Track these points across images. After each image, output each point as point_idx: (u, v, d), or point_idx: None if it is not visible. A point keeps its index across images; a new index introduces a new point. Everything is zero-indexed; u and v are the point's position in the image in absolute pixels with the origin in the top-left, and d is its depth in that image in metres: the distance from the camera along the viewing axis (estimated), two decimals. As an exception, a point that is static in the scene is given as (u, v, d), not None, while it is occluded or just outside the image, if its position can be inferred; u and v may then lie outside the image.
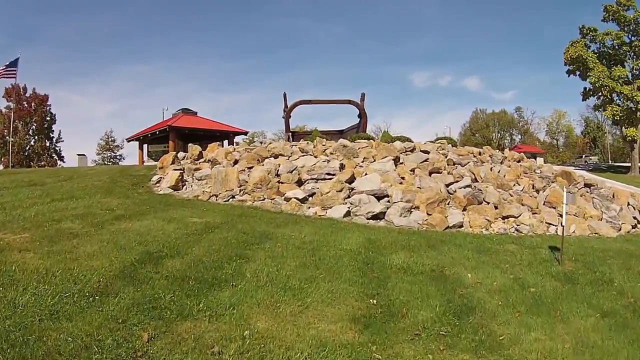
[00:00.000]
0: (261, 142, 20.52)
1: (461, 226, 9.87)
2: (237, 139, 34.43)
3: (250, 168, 13.14)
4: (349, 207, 9.91)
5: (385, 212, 9.63)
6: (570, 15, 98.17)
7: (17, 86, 49.65)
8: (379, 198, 10.48)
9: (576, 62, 37.27)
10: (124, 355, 3.57)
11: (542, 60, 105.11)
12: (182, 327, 4.03)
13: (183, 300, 4.58)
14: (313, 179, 11.81)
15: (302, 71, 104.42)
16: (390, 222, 9.42)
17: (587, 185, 15.27)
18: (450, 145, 17.18)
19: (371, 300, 4.76)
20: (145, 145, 34.63)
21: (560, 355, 4.29)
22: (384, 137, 19.43)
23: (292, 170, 12.24)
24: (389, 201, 10.48)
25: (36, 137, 51.06)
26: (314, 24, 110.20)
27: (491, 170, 14.30)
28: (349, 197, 10.63)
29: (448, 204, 10.73)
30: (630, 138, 35.99)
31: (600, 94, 37.19)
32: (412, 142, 16.88)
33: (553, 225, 11.30)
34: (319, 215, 9.56)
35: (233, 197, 11.08)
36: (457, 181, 12.41)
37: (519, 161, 17.50)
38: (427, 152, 14.55)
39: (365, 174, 12.00)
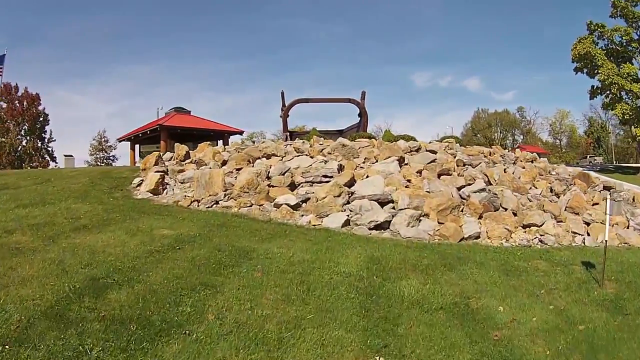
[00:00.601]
0: (253, 142, 19.15)
1: (478, 237, 8.54)
2: (232, 139, 33.05)
3: (239, 170, 11.81)
4: (348, 215, 8.59)
5: (390, 221, 8.29)
6: (570, 15, 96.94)
7: (9, 85, 48.38)
8: (382, 204, 9.15)
9: (584, 59, 35.94)
10: None
11: (543, 61, 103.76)
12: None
13: (114, 359, 3.26)
14: (308, 182, 10.49)
15: (302, 71, 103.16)
16: (396, 232, 8.09)
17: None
18: (458, 144, 15.85)
19: (377, 359, 3.43)
20: (137, 146, 33.26)
21: None
22: (386, 136, 18.11)
23: (285, 172, 10.91)
24: (393, 207, 9.15)
25: (28, 138, 49.66)
26: (314, 24, 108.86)
27: (505, 171, 12.95)
28: (348, 202, 9.30)
29: (462, 210, 9.39)
30: (640, 138, 34.60)
31: (609, 91, 35.90)
32: (417, 141, 15.56)
33: (579, 234, 9.98)
34: (314, 225, 8.23)
35: (217, 202, 9.75)
36: (469, 184, 11.08)
37: (531, 161, 16.13)
38: (434, 152, 13.21)
39: (367, 176, 10.67)
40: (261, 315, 3.91)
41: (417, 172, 11.25)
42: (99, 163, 52.38)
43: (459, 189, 10.64)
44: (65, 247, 6.53)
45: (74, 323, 3.93)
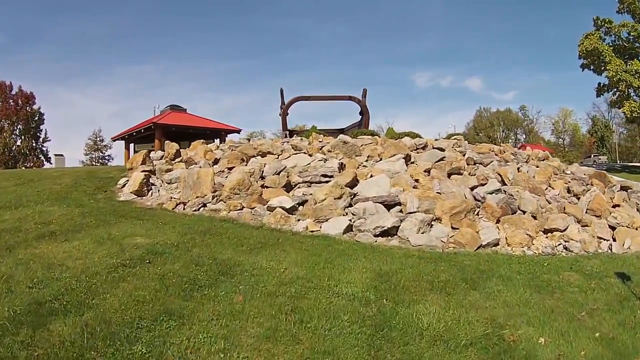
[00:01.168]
0: (248, 140, 18.18)
1: (496, 244, 7.58)
2: (230, 138, 32.06)
3: (230, 169, 10.85)
4: (350, 220, 7.62)
5: (398, 227, 7.32)
6: (571, 15, 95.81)
7: (3, 83, 47.46)
8: (388, 207, 8.18)
9: (591, 55, 34.96)
10: None
11: (544, 60, 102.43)
12: None
13: None
14: (306, 182, 9.52)
15: (304, 71, 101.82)
16: (405, 239, 7.12)
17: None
18: (466, 142, 14.86)
19: None
20: (131, 145, 32.30)
21: None
22: (389, 134, 17.12)
23: (280, 172, 9.95)
24: (401, 211, 8.19)
25: (23, 137, 48.70)
26: (315, 24, 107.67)
27: (518, 170, 11.97)
28: (350, 205, 8.33)
29: (477, 214, 8.43)
30: (649, 136, 33.61)
31: (616, 89, 34.92)
32: (422, 138, 14.59)
33: (604, 240, 9.03)
34: (311, 231, 7.25)
35: (204, 205, 8.79)
36: (482, 184, 10.12)
37: (543, 160, 15.14)
38: (442, 150, 12.23)
39: (371, 176, 9.70)
40: (238, 362, 2.95)
41: (424, 172, 10.28)
42: (94, 163, 51.40)
43: (471, 189, 9.68)
44: (21, 259, 5.62)
45: (-5, 368, 2.99)
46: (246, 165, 11.04)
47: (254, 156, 11.93)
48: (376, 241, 7.05)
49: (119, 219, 8.01)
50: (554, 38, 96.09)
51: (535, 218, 9.09)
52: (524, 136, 78.01)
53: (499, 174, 11.18)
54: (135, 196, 10.04)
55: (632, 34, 35.06)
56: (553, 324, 4.32)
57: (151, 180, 10.78)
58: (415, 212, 7.83)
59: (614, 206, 11.03)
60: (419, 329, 3.64)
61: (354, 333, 3.46)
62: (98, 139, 53.31)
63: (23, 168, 42.04)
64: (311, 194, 8.70)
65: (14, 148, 48.22)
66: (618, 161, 61.78)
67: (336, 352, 3.15)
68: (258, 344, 3.14)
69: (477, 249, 7.19)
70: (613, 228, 9.46)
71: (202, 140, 16.39)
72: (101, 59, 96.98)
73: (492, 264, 6.09)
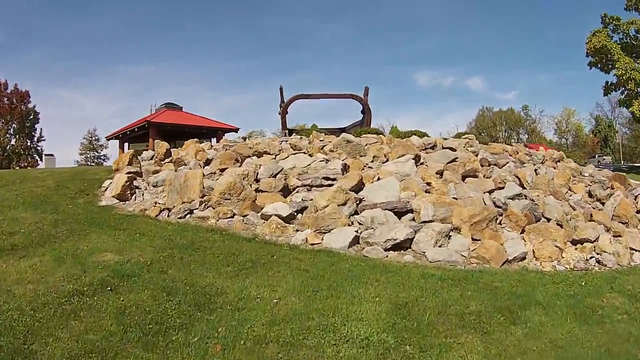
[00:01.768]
0: (244, 139, 17.20)
1: (523, 258, 6.62)
2: (227, 136, 31.06)
3: (223, 170, 9.88)
4: (356, 230, 6.64)
5: (412, 239, 6.35)
6: (572, 14, 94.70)
7: (-2, 81, 46.48)
8: (399, 214, 7.22)
9: (599, 52, 34.04)
10: None
11: (546, 60, 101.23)
12: None
13: None
14: (305, 185, 8.56)
15: (306, 70, 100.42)
16: (420, 254, 6.16)
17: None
18: (477, 141, 13.89)
19: None
20: (125, 144, 31.32)
21: None
22: (394, 133, 16.16)
23: (277, 174, 8.98)
24: (413, 219, 7.22)
25: (17, 136, 47.71)
26: (318, 24, 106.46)
27: (536, 172, 11.02)
28: (356, 213, 7.37)
29: (499, 222, 7.47)
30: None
31: (624, 88, 33.99)
32: (430, 137, 13.63)
33: (636, 251, 8.10)
34: (312, 244, 6.28)
35: (191, 212, 7.83)
36: (500, 187, 9.17)
37: (558, 161, 14.18)
38: (453, 150, 11.26)
39: (378, 178, 8.74)
40: None
41: (436, 174, 9.32)
42: (89, 163, 50.36)
43: (489, 193, 8.73)
44: (-38, 282, 4.67)
45: None
46: (240, 166, 10.09)
47: (249, 156, 10.98)
48: (387, 256, 6.07)
49: (93, 228, 7.07)
50: (557, 37, 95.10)
51: (561, 226, 8.15)
52: (527, 136, 77.07)
53: (517, 177, 10.23)
54: (117, 200, 9.09)
55: (640, 31, 34.19)
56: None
57: (135, 183, 9.81)
58: (430, 221, 6.87)
59: (638, 212, 10.13)
60: (460, 396, 2.70)
61: (371, 408, 2.51)
62: (93, 138, 52.26)
63: (17, 168, 41.05)
64: (311, 200, 7.73)
65: (7, 147, 47.24)
66: (622, 161, 60.86)
67: None
68: None
69: (502, 265, 6.23)
70: (643, 237, 8.53)
71: (195, 139, 15.41)
72: (100, 59, 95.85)
73: (526, 286, 5.13)
